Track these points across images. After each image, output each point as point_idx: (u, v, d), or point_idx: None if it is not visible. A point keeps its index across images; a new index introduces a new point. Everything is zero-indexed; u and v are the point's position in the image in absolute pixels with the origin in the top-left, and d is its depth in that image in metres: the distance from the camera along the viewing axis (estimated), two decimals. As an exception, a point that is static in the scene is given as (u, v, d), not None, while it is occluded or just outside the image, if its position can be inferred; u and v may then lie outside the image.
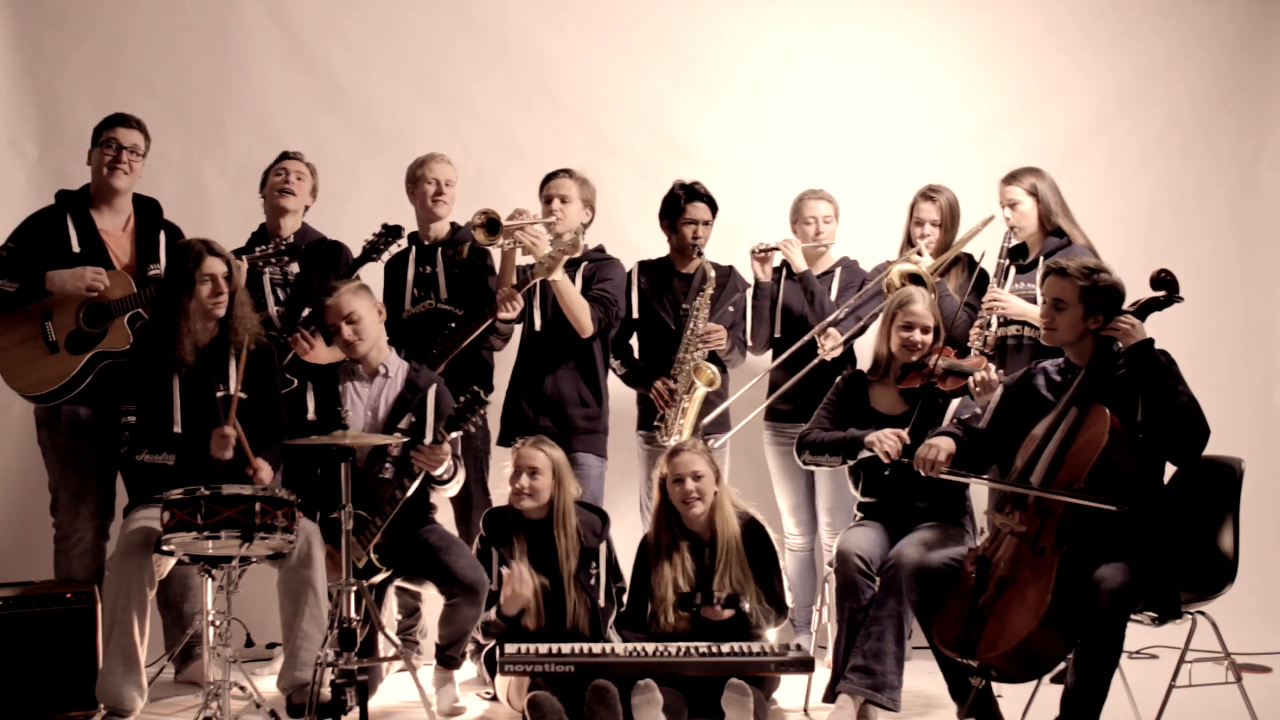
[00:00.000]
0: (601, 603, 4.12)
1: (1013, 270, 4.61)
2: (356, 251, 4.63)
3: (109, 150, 4.35)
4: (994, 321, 4.53)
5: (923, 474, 3.71)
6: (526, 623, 4.04)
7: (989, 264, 4.67)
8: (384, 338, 4.33)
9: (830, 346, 4.66)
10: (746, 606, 3.95)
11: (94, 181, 4.41)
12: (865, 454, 4.06)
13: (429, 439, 4.07)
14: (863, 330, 4.74)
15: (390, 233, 4.57)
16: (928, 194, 4.75)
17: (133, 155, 4.37)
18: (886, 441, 3.99)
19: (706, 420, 4.64)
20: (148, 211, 4.51)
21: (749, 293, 4.84)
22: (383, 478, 4.14)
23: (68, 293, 4.24)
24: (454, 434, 4.01)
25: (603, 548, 4.19)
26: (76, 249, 4.31)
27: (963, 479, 3.71)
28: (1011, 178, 4.62)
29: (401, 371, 4.28)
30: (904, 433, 3.99)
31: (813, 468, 4.29)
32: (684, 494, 4.07)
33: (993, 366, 4.20)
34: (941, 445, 3.71)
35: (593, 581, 4.11)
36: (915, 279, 4.54)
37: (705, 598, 3.97)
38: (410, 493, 4.06)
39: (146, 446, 4.05)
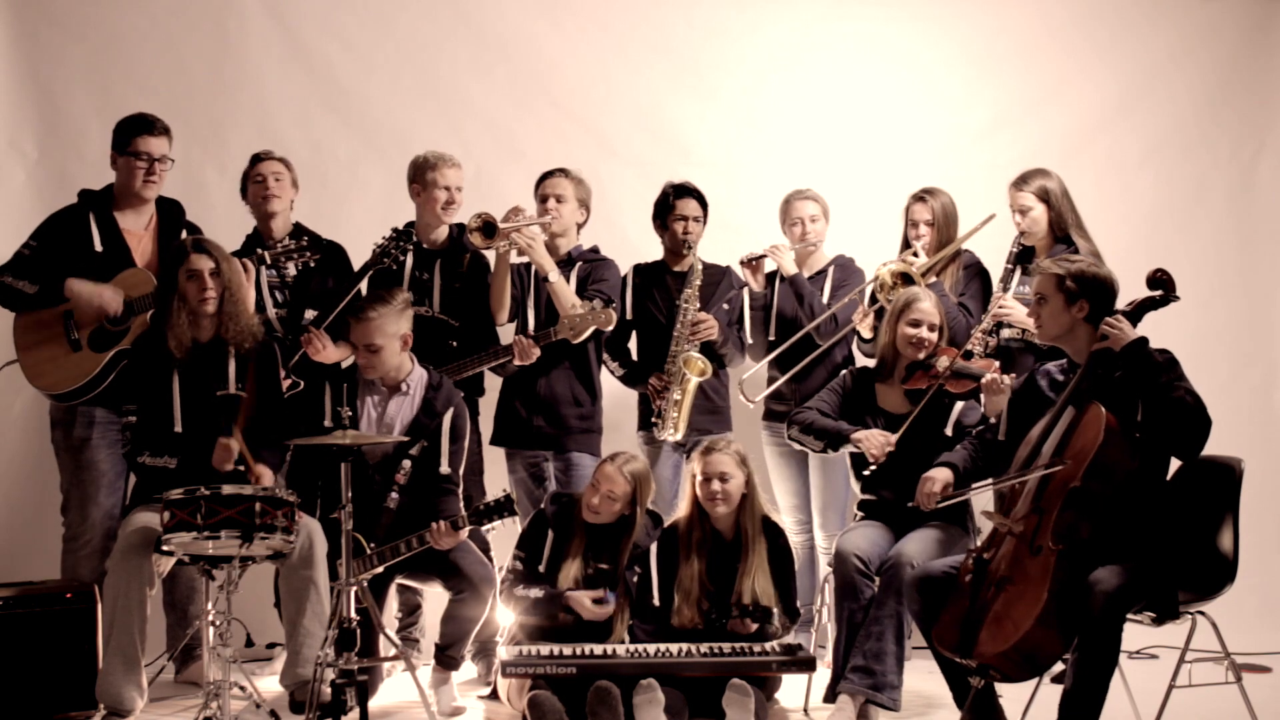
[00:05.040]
0: (637, 602, 4.10)
1: (1018, 274, 4.60)
2: (359, 250, 4.63)
3: (140, 162, 4.34)
4: (998, 329, 4.52)
5: (924, 509, 3.72)
6: (567, 618, 4.04)
7: (995, 268, 4.68)
8: (406, 360, 4.23)
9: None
10: (775, 622, 3.94)
11: (119, 185, 4.40)
12: (849, 449, 4.12)
13: (444, 468, 4.14)
14: (853, 331, 4.74)
15: (402, 237, 4.52)
16: (920, 196, 4.76)
17: (162, 165, 4.38)
18: (872, 444, 4.05)
19: None
20: (170, 212, 4.52)
21: (745, 293, 4.84)
22: (387, 507, 4.14)
23: (80, 305, 4.24)
24: (474, 527, 4.04)
25: (653, 548, 4.18)
26: (99, 248, 4.32)
27: (960, 497, 3.73)
28: (1021, 181, 4.60)
29: (420, 388, 4.23)
30: (893, 438, 4.04)
31: (796, 445, 4.29)
32: (709, 493, 4.08)
33: (998, 366, 4.21)
34: (937, 478, 3.73)
35: (635, 579, 4.11)
36: (906, 279, 4.54)
37: (724, 610, 3.98)
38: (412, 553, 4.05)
39: (148, 449, 4.05)
